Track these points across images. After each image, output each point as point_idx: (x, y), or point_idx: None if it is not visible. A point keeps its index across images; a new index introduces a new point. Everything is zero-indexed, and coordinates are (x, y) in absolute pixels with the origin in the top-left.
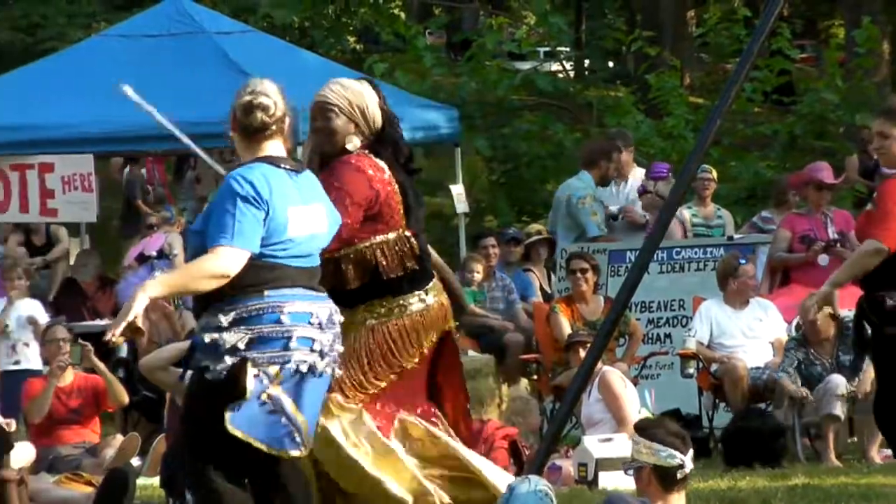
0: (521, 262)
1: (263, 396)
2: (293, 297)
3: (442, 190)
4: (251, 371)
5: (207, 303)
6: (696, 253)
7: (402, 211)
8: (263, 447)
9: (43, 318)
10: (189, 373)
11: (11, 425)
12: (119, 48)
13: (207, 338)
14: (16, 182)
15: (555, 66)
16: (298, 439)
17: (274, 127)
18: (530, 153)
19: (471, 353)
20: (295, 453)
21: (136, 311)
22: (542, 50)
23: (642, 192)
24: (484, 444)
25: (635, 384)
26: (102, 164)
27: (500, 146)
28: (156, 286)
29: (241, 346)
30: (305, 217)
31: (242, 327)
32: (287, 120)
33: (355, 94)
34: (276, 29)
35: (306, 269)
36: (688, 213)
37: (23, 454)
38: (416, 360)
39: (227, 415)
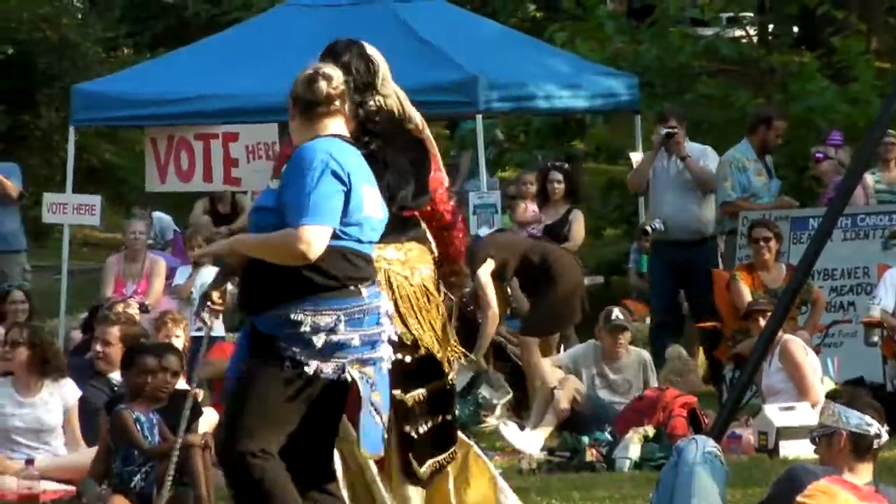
0: None
1: (373, 408)
2: (378, 294)
3: (622, 158)
4: (358, 376)
5: (283, 295)
6: (880, 220)
7: None
8: (370, 455)
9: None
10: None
11: (199, 394)
12: (302, 17)
13: (306, 336)
14: (200, 151)
15: (738, 32)
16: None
17: (337, 103)
18: (710, 120)
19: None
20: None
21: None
22: (724, 16)
23: (822, 158)
24: (662, 412)
25: (817, 353)
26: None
27: None
28: (230, 246)
29: (348, 349)
30: (374, 198)
31: (348, 329)
32: (348, 104)
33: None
34: None
35: (372, 257)
36: (871, 178)
37: (208, 419)
38: None
39: (362, 440)
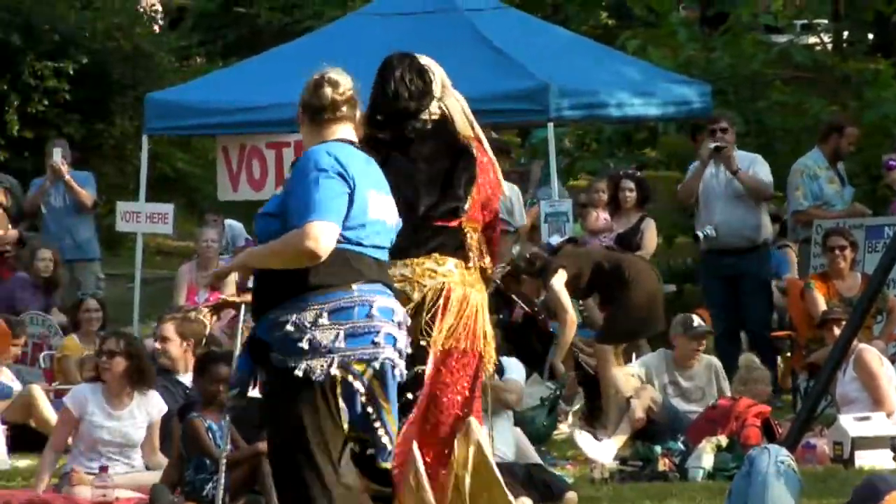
0: (778, 238)
1: (366, 404)
2: (378, 291)
3: None
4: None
5: (279, 298)
6: None
7: None
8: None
9: None
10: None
11: None
12: (374, 26)
13: (291, 337)
14: (272, 160)
15: (812, 39)
16: (390, 450)
17: (344, 109)
18: (784, 127)
19: None
20: (386, 465)
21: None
22: (798, 23)
23: (894, 166)
24: (735, 422)
25: (893, 362)
26: None
27: (753, 120)
28: (242, 261)
29: (335, 343)
30: (382, 204)
31: (333, 322)
32: (358, 111)
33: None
34: (528, 4)
35: (383, 262)
36: None
37: None
38: None
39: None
